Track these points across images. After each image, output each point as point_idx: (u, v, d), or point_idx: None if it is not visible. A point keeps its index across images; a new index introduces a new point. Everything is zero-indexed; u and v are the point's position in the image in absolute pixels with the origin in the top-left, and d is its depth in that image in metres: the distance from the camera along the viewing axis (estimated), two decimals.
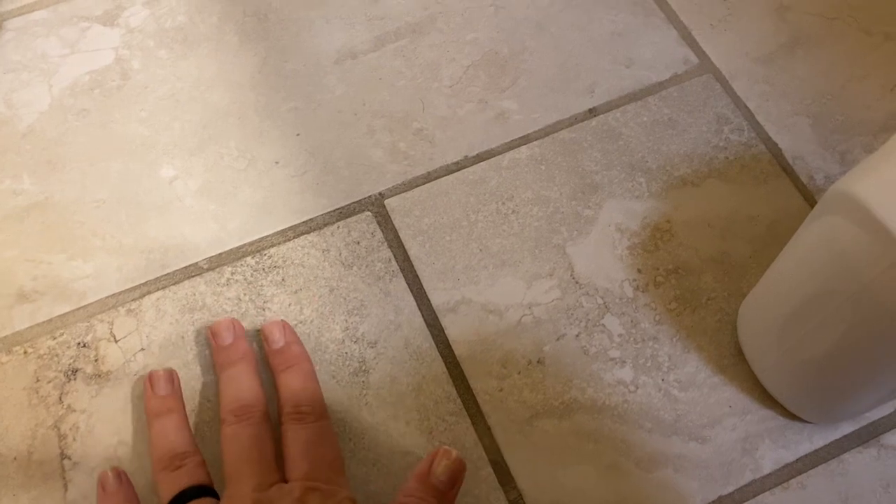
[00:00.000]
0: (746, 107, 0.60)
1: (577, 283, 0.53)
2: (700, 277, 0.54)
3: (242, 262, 0.54)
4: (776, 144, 0.59)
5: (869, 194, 0.37)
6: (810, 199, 0.57)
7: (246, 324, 0.52)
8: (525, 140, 0.59)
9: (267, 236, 0.55)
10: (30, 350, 0.51)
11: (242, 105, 0.60)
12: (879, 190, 0.37)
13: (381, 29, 0.64)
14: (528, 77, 0.62)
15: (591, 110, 0.60)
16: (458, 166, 0.58)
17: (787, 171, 0.58)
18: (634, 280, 0.54)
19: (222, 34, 0.63)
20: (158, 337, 0.51)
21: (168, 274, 0.53)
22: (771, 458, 0.48)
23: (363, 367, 0.51)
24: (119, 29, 0.63)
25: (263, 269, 0.54)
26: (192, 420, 0.49)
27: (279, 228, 0.55)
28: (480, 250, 0.55)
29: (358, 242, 0.55)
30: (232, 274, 0.53)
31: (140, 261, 0.54)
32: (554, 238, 0.55)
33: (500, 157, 0.58)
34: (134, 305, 0.52)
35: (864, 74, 0.62)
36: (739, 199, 0.57)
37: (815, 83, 0.62)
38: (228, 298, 0.53)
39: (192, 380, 0.50)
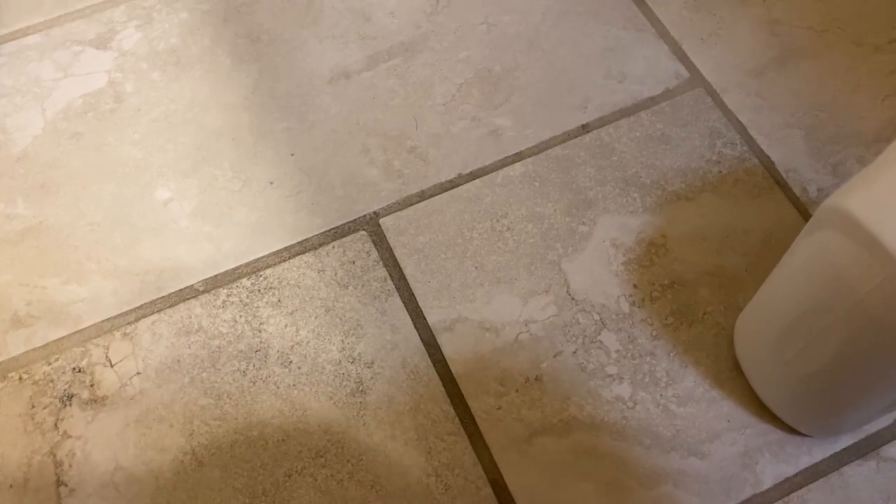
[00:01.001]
0: (738, 120, 0.61)
1: (573, 299, 0.53)
2: (696, 291, 0.54)
3: (238, 284, 0.54)
4: (769, 157, 0.59)
5: (861, 209, 0.37)
6: (804, 211, 0.57)
7: (242, 346, 0.51)
8: (518, 157, 0.59)
9: (262, 257, 0.55)
10: (25, 376, 0.51)
11: (236, 126, 0.60)
12: (872, 204, 0.37)
13: (373, 48, 0.64)
14: (521, 94, 0.62)
15: (584, 126, 0.60)
16: (453, 184, 0.58)
17: (781, 183, 0.58)
18: (630, 295, 0.54)
19: (215, 56, 0.63)
20: (154, 361, 0.51)
21: (163, 297, 0.53)
22: (771, 472, 0.48)
23: (360, 388, 0.50)
24: (112, 52, 0.63)
25: (259, 291, 0.54)
26: (188, 445, 0.48)
27: (274, 249, 0.55)
28: (476, 268, 0.55)
29: (353, 262, 0.55)
30: (227, 296, 0.53)
31: (135, 284, 0.54)
32: (549, 254, 0.55)
33: (494, 174, 0.58)
34: (129, 329, 0.52)
35: (856, 86, 0.62)
36: (734, 213, 0.57)
37: (807, 95, 0.62)
38: (224, 321, 0.52)
39: (189, 404, 0.50)
